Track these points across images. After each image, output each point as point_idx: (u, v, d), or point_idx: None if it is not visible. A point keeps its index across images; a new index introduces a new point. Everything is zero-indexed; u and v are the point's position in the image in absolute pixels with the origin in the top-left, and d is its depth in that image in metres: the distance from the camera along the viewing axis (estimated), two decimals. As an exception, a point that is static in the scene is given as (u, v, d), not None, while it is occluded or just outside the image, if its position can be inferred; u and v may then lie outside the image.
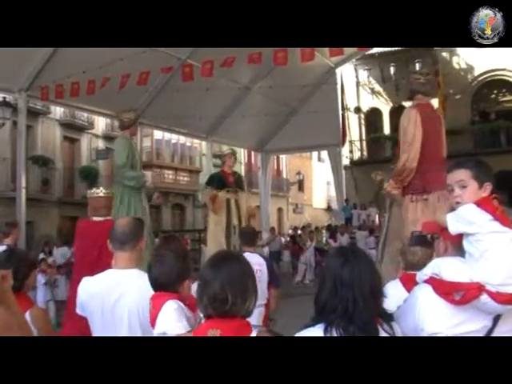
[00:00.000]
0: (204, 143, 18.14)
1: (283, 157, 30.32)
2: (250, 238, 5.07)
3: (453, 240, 2.32)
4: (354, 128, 21.74)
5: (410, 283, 2.66)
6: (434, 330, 2.11)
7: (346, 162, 19.43)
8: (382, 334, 1.86)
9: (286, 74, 12.44)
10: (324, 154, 25.61)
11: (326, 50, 8.99)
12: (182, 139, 24.90)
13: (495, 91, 20.42)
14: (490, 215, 2.14)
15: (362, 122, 22.16)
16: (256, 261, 4.38)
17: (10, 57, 8.54)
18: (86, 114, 19.80)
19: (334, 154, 17.09)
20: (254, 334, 1.88)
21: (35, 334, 2.44)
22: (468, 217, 2.18)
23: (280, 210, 31.35)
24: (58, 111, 20.03)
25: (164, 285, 2.45)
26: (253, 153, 22.85)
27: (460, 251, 2.26)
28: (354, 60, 18.73)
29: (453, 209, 2.30)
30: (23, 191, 10.03)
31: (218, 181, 7.94)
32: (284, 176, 32.05)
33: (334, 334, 1.80)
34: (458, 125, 18.94)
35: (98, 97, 9.67)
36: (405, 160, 5.20)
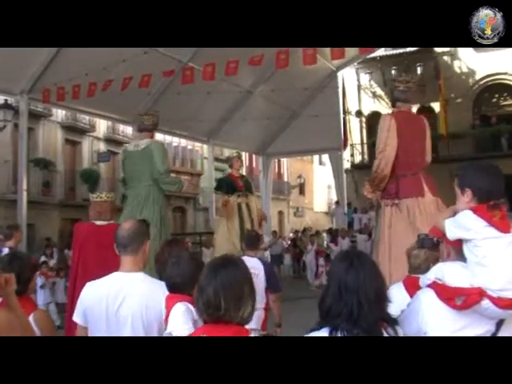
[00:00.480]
0: (205, 146, 18.13)
1: (284, 160, 30.36)
2: (252, 241, 5.08)
3: (455, 245, 2.34)
4: (356, 131, 21.68)
5: (412, 288, 2.68)
6: (437, 334, 2.12)
7: (347, 165, 19.37)
8: (386, 338, 1.85)
9: (288, 78, 12.43)
10: (325, 157, 25.61)
11: (328, 53, 8.97)
12: (184, 142, 24.94)
13: (496, 95, 20.38)
14: (485, 221, 2.16)
15: (364, 125, 22.10)
16: (253, 265, 4.37)
17: (11, 59, 8.53)
18: (87, 117, 19.76)
19: (335, 157, 17.05)
20: None
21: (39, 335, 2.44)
22: (464, 223, 2.21)
23: (281, 213, 31.36)
24: (59, 114, 20.01)
25: (178, 286, 2.53)
26: (254, 156, 22.83)
27: (462, 256, 2.27)
28: (355, 63, 18.70)
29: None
30: (24, 194, 10.01)
31: (228, 185, 7.95)
32: (285, 179, 32.05)
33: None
34: (460, 129, 18.95)
35: (100, 99, 9.65)
36: (376, 167, 5.18)
